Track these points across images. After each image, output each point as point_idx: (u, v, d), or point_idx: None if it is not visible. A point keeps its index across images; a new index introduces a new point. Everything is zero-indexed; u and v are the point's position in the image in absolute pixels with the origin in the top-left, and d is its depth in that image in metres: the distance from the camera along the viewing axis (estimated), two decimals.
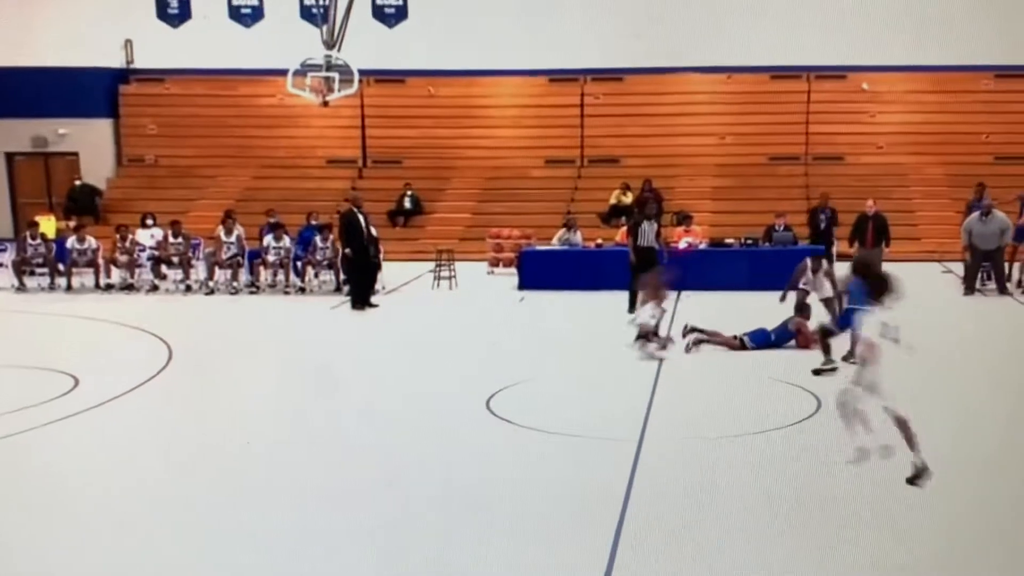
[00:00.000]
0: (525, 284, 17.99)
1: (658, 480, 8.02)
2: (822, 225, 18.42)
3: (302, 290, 18.24)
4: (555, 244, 19.09)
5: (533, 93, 26.33)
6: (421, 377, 11.64)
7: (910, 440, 7.68)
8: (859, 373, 8.00)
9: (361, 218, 16.70)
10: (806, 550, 6.69)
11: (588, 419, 9.69)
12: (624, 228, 17.68)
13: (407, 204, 24.46)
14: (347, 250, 16.58)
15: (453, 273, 18.61)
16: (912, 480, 7.62)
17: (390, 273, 18.60)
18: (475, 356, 12.86)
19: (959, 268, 18.07)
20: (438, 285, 18.51)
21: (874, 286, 8.21)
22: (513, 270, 18.91)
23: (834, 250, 17.71)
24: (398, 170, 25.67)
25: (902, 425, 7.71)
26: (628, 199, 23.12)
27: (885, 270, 9.27)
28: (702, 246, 18.17)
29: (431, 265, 19.02)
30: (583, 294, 14.97)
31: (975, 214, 17.25)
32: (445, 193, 25.37)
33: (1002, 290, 17.13)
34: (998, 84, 24.99)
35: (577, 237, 19.18)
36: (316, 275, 18.43)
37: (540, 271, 18.00)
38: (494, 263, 20.31)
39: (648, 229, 15.94)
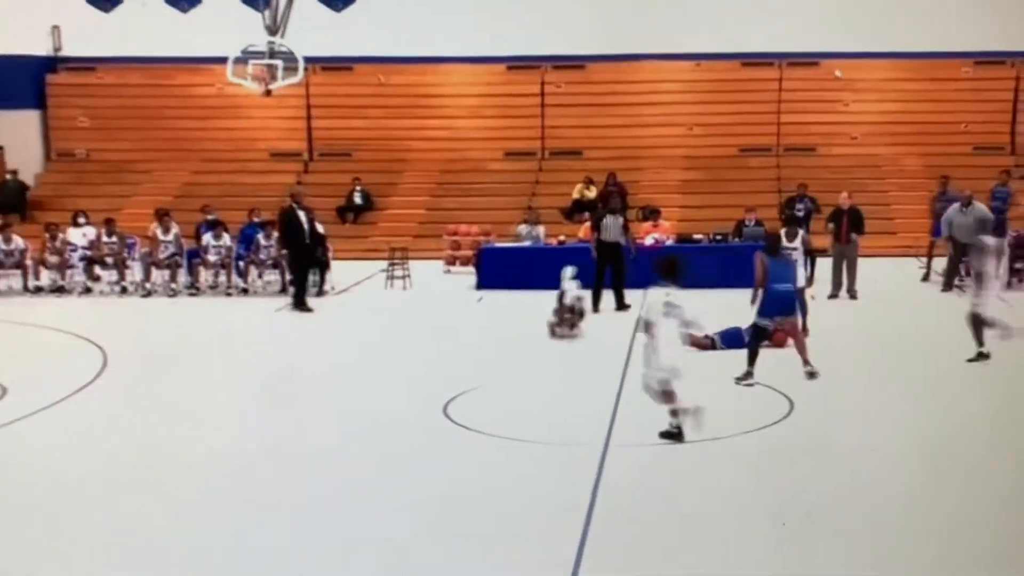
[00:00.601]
0: (484, 283, 18.06)
1: (623, 486, 8.13)
2: (800, 215, 18.57)
3: (245, 291, 18.16)
4: (514, 234, 19.28)
5: (490, 81, 26.39)
6: (374, 383, 11.67)
7: (673, 407, 9.00)
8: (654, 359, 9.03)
9: (302, 215, 16.70)
10: (778, 554, 6.82)
11: (551, 424, 9.79)
12: (587, 224, 17.80)
13: (357, 199, 24.43)
14: (283, 251, 16.62)
15: (407, 272, 18.61)
16: (670, 435, 9.05)
17: (340, 273, 18.61)
18: (431, 360, 12.90)
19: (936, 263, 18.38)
20: (391, 285, 18.51)
21: (664, 266, 9.28)
22: (471, 269, 18.97)
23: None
24: (347, 163, 25.62)
25: (664, 396, 8.96)
26: (592, 193, 23.25)
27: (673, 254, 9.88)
28: (669, 242, 18.31)
29: (384, 264, 19.01)
30: (545, 293, 15.02)
31: (956, 205, 17.47)
32: (398, 188, 25.38)
33: None
34: (977, 71, 25.40)
35: (540, 230, 19.30)
36: (260, 275, 18.38)
37: (500, 269, 18.07)
38: (451, 261, 20.34)
39: (612, 224, 16.10)
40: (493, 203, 23.83)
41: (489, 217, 22.11)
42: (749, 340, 11.65)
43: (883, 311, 15.80)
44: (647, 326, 9.06)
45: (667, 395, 8.95)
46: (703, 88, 25.92)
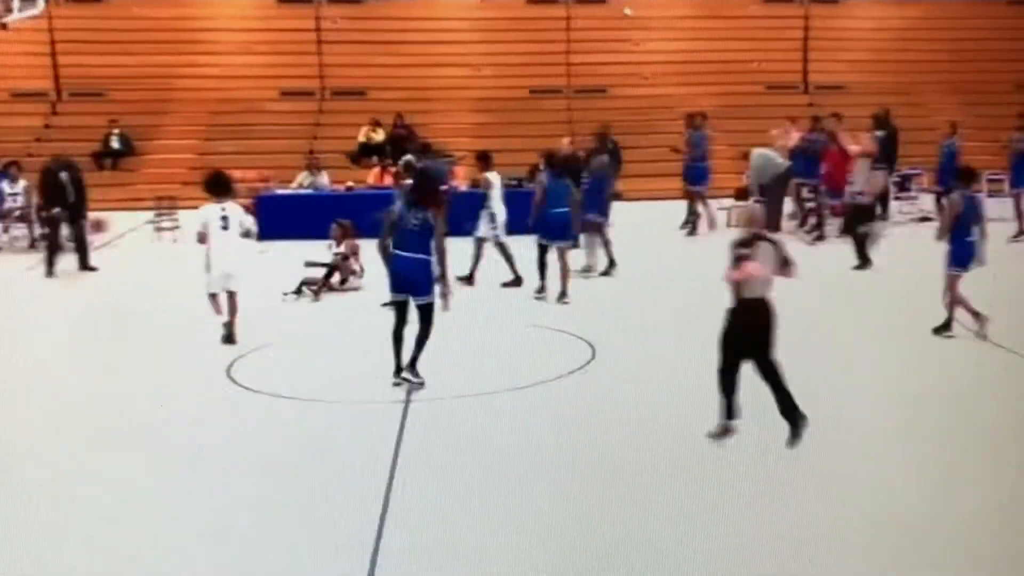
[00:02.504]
0: (265, 234, 17.54)
1: (427, 442, 8.15)
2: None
3: None
4: (296, 183, 18.94)
5: (260, 16, 25.87)
6: (146, 346, 11.24)
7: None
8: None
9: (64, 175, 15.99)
10: (581, 502, 6.98)
11: (346, 383, 9.72)
12: (376, 169, 17.70)
13: (115, 144, 23.54)
14: (56, 210, 15.75)
15: (177, 223, 18.06)
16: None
17: None
18: (207, 319, 12.47)
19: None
20: (160, 238, 18.03)
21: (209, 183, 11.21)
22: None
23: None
24: (102, 104, 24.77)
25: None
26: (379, 136, 23.08)
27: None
28: (463, 189, 18.30)
29: (150, 215, 18.47)
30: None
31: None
32: (162, 130, 24.58)
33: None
34: (765, 9, 26.57)
35: (323, 180, 19.00)
36: (5, 230, 17.73)
37: (282, 219, 17.72)
38: None
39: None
40: (271, 146, 23.37)
41: (268, 161, 21.71)
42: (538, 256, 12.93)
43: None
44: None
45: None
46: (490, 27, 26.13)
